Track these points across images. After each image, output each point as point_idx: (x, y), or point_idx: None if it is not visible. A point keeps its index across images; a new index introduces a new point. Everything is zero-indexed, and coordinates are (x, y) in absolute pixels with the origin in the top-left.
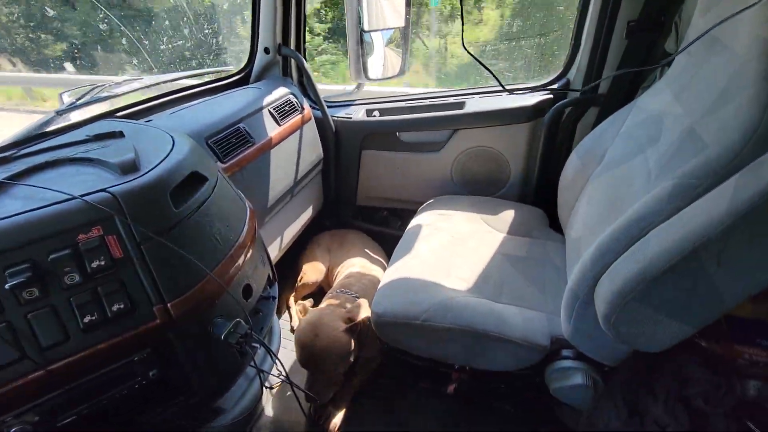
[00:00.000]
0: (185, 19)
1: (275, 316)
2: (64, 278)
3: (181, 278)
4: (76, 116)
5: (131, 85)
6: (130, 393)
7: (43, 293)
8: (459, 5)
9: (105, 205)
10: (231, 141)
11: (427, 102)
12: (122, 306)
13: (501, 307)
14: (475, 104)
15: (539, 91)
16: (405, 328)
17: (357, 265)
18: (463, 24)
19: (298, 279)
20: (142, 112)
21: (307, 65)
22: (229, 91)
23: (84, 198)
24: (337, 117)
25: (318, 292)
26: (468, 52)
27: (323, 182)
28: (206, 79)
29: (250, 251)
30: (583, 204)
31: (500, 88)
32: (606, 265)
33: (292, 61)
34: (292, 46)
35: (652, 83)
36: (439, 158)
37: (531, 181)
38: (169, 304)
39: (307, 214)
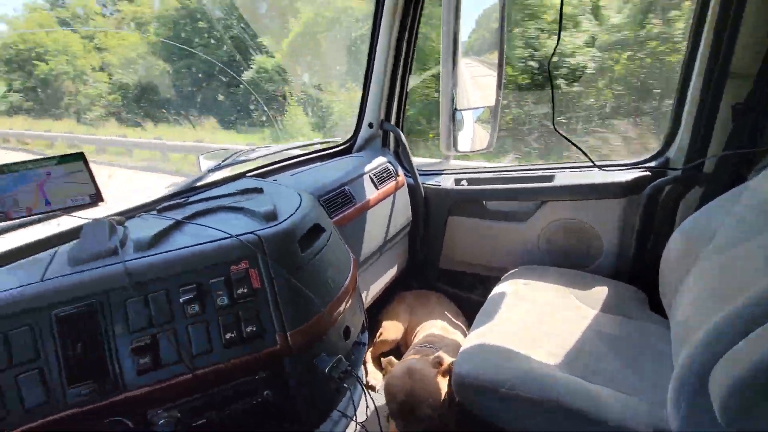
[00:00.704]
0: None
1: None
2: (217, 300)
3: (301, 312)
4: (218, 174)
5: (261, 151)
6: (249, 409)
7: (201, 310)
8: (550, 85)
9: (252, 244)
10: (337, 200)
11: (514, 174)
12: (254, 329)
13: (594, 387)
14: (564, 178)
15: (635, 168)
16: (488, 393)
17: (438, 326)
18: (554, 105)
19: (377, 335)
20: (269, 172)
21: (404, 138)
22: (336, 158)
23: (238, 237)
24: (428, 184)
25: (394, 351)
26: (559, 133)
27: (410, 244)
28: (317, 147)
29: (352, 297)
30: (690, 285)
31: (591, 164)
32: (722, 350)
33: (391, 133)
34: (393, 121)
35: (766, 165)
36: (526, 228)
37: (626, 257)
38: (288, 333)
39: (392, 273)
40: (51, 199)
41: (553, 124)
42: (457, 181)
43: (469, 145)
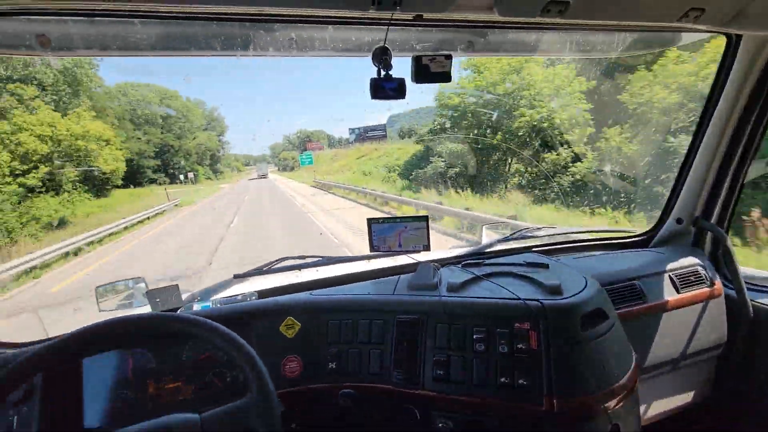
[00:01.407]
0: None
1: None
2: (499, 347)
3: (572, 385)
4: (505, 244)
5: (547, 230)
6: None
7: (485, 350)
8: None
9: (536, 310)
10: (623, 293)
11: None
12: (525, 382)
13: None
14: None
15: None
16: None
17: None
18: None
19: None
20: (554, 251)
21: (729, 242)
22: (628, 250)
23: (525, 301)
24: (759, 302)
25: None
26: None
27: (717, 372)
28: (607, 234)
29: (628, 399)
30: None
31: None
32: None
33: (709, 232)
34: (714, 219)
35: None
36: None
37: None
38: (555, 399)
39: (685, 400)
40: (402, 242)
41: None
42: None
43: None
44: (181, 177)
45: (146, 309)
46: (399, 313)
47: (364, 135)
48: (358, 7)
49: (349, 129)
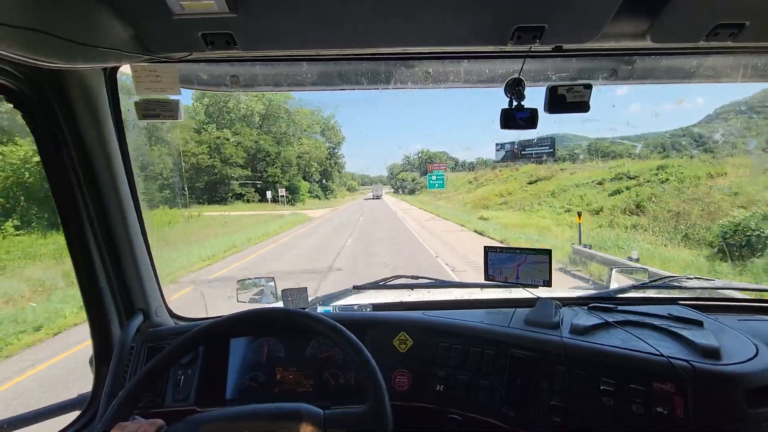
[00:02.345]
0: None
1: None
2: (633, 406)
3: None
4: (637, 292)
5: (699, 282)
6: None
7: (615, 403)
8: None
9: (684, 372)
10: None
11: None
12: None
13: None
14: None
15: None
16: None
17: None
18: None
19: None
20: (708, 308)
21: None
22: None
23: (669, 359)
24: None
25: None
26: None
27: None
28: None
29: None
30: None
31: None
32: None
33: None
34: None
35: None
36: None
37: None
38: None
39: None
40: (519, 275)
41: None
42: None
43: None
44: (269, 194)
45: (275, 305)
46: (513, 347)
47: (519, 152)
48: (496, 42)
49: (497, 144)
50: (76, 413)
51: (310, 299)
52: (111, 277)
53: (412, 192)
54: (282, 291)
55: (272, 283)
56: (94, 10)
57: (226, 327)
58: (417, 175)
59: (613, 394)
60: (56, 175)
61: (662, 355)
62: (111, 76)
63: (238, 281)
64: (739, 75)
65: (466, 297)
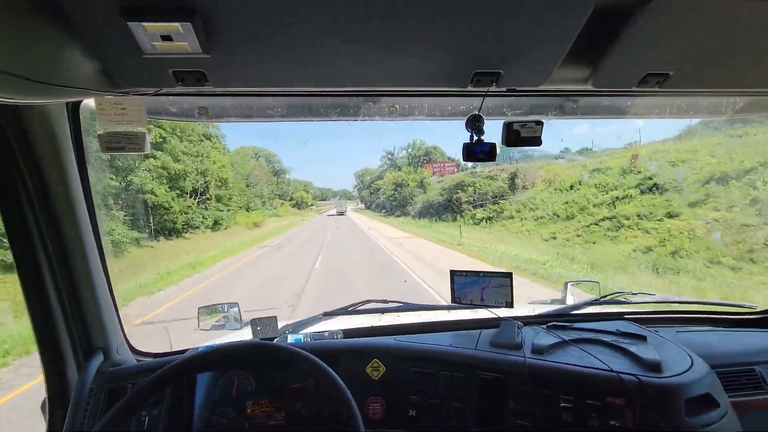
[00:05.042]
0: None
1: None
2: (589, 421)
3: None
4: (590, 308)
5: (643, 297)
6: None
7: (573, 420)
8: None
9: (633, 386)
10: (741, 380)
11: None
12: None
13: None
14: None
15: None
16: None
17: None
18: None
19: None
20: (650, 321)
21: None
22: (745, 329)
23: (619, 374)
24: None
25: None
26: None
27: None
28: (718, 309)
29: None
30: None
31: None
32: None
33: None
34: None
35: None
36: None
37: None
38: None
39: None
40: (484, 297)
41: None
42: None
43: None
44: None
45: (238, 332)
46: (481, 369)
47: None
48: (458, 84)
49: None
50: None
51: (279, 326)
52: (68, 313)
53: (402, 207)
54: (251, 320)
55: (236, 309)
56: (61, 46)
57: (203, 362)
58: (417, 176)
59: (572, 411)
60: (11, 212)
61: (612, 371)
62: (74, 109)
63: (200, 308)
64: (666, 113)
65: (435, 319)
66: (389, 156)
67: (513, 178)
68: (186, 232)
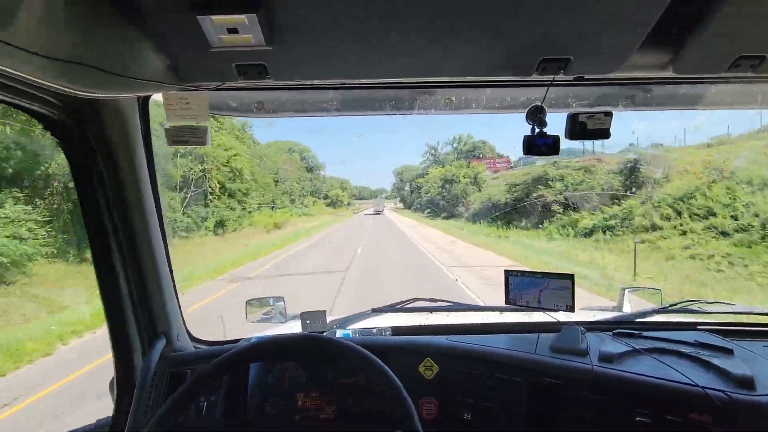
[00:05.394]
0: None
1: None
2: None
3: None
4: (659, 316)
5: (723, 307)
6: None
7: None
8: None
9: (722, 404)
10: None
11: None
12: None
13: None
14: None
15: None
16: None
17: None
18: None
19: None
20: (732, 333)
21: None
22: None
23: (704, 389)
24: None
25: None
26: None
27: None
28: None
29: None
30: None
31: None
32: None
33: None
34: None
35: None
36: None
37: None
38: None
39: None
40: (541, 300)
41: None
42: None
43: None
44: None
45: (283, 326)
46: (542, 374)
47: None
48: (521, 73)
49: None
50: None
51: (328, 321)
52: (135, 299)
53: (452, 207)
54: (301, 314)
55: (281, 303)
56: (134, 41)
57: (260, 351)
58: (468, 169)
59: (648, 426)
60: (88, 201)
61: (697, 386)
62: (144, 104)
63: (248, 301)
64: (757, 101)
65: (486, 321)
66: (432, 151)
67: (633, 169)
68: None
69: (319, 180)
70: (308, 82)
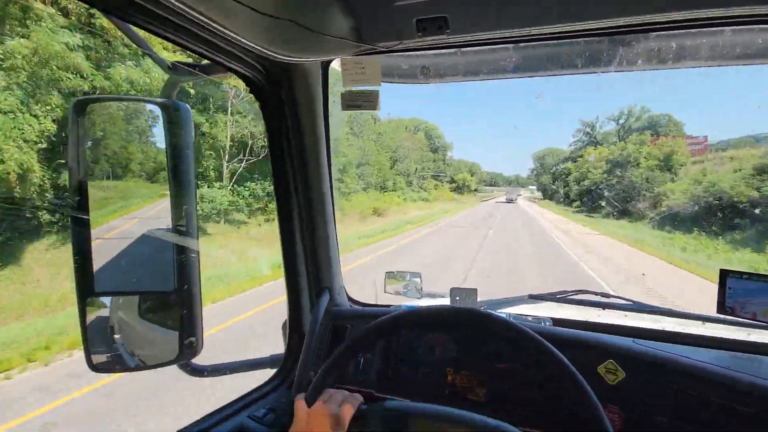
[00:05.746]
0: None
1: None
2: None
3: None
4: None
5: None
6: None
7: None
8: None
9: None
10: None
11: None
12: None
13: None
14: None
15: None
16: None
17: None
18: None
19: None
20: None
21: None
22: None
23: None
24: None
25: None
26: None
27: None
28: None
29: None
30: None
31: None
32: None
33: None
34: None
35: None
36: None
37: None
38: None
39: None
40: None
41: None
42: None
43: None
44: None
45: (416, 300)
46: None
47: None
48: None
49: None
50: (267, 371)
51: (479, 301)
52: (308, 255)
53: (625, 201)
54: (451, 289)
55: (418, 279)
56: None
57: (420, 318)
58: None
59: None
60: (278, 164)
61: None
62: (326, 68)
63: (387, 272)
64: None
65: (679, 330)
66: (587, 129)
67: None
68: None
69: (444, 162)
70: (487, 36)
